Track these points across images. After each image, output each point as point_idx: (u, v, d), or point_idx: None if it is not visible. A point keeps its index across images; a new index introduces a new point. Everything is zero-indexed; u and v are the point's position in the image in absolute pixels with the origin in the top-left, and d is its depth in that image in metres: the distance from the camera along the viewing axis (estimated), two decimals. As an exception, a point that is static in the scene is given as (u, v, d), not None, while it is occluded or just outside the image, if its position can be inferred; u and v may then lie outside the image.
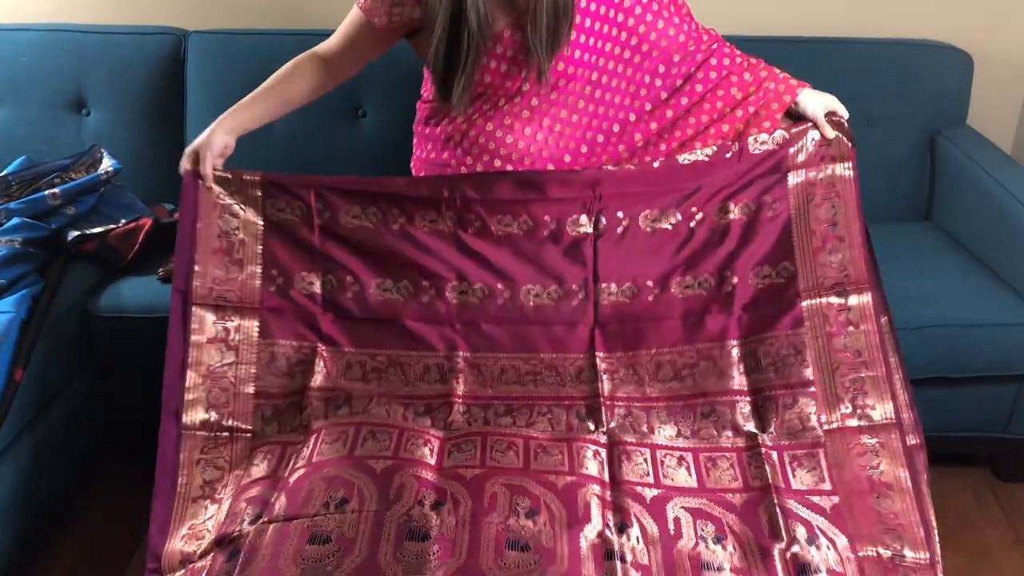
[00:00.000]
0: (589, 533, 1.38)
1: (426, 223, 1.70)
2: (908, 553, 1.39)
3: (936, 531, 1.45)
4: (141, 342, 1.80)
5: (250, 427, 1.62)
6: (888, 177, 2.35)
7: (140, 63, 2.38)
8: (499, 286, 1.69)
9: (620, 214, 1.69)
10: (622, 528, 1.39)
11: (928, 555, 1.39)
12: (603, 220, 1.69)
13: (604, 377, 1.64)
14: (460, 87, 1.62)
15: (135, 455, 1.76)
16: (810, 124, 1.68)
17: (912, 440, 1.56)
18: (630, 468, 1.52)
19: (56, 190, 2.05)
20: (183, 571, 1.41)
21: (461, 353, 1.67)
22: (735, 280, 1.66)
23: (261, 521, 1.40)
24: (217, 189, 1.67)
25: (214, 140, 1.65)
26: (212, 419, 1.60)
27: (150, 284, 2.02)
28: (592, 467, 1.51)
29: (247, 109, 1.71)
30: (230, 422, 1.61)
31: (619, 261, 1.69)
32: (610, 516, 1.41)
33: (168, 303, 1.65)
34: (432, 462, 1.52)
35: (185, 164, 1.66)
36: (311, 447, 1.54)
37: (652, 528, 1.40)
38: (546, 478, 1.48)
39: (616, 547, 1.35)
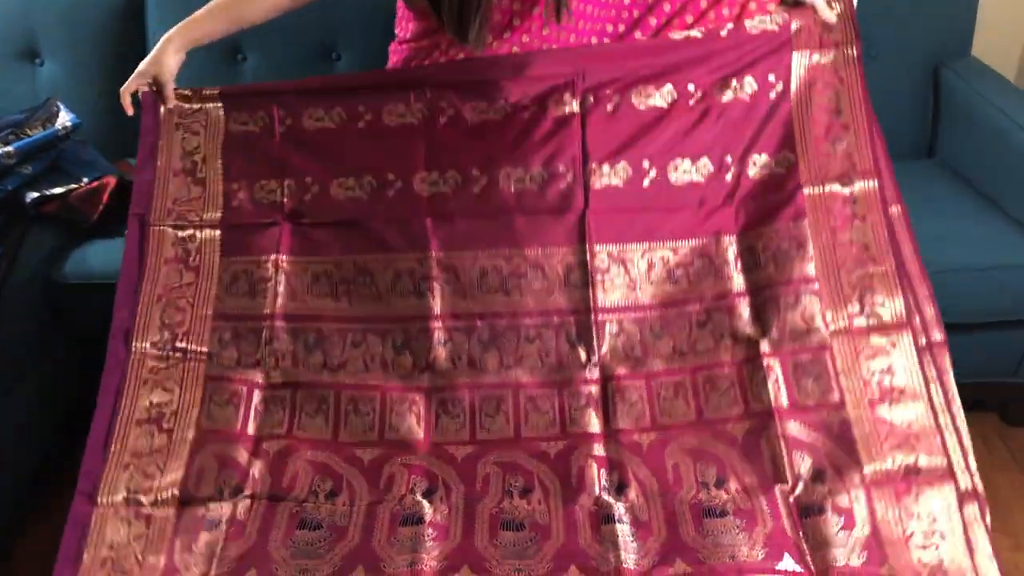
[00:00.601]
0: (585, 502, 1.32)
1: (394, 117, 1.56)
2: (923, 461, 1.29)
3: (967, 438, 1.32)
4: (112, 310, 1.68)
5: (205, 349, 1.51)
6: (889, 113, 2.18)
7: (96, 6, 2.22)
8: (474, 172, 1.52)
9: (609, 91, 1.53)
10: (620, 488, 1.32)
11: (944, 460, 1.29)
12: (590, 98, 1.52)
13: (595, 280, 1.50)
14: (477, 22, 1.47)
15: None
16: (810, 6, 1.55)
17: (937, 336, 1.42)
18: (625, 411, 1.43)
19: (10, 148, 1.90)
20: (130, 512, 1.32)
21: (434, 253, 1.51)
22: (733, 168, 1.53)
23: (243, 495, 1.34)
24: (179, 108, 1.58)
25: (168, 60, 1.55)
26: (165, 338, 1.50)
27: (119, 247, 1.87)
28: (585, 419, 1.43)
29: (199, 25, 1.58)
30: (184, 343, 1.50)
31: (610, 139, 1.53)
32: (605, 477, 1.34)
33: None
34: (420, 436, 1.44)
35: (132, 87, 1.56)
36: (287, 412, 1.46)
37: (651, 482, 1.34)
38: (538, 447, 1.41)
39: (613, 510, 1.29)
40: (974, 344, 1.92)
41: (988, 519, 1.26)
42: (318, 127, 1.57)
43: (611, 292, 1.51)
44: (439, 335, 1.50)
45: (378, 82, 1.58)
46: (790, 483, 1.30)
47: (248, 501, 1.33)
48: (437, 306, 1.51)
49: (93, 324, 1.87)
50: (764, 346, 1.42)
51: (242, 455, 1.39)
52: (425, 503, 1.32)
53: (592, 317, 1.49)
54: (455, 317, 1.51)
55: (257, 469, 1.36)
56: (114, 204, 1.96)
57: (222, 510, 1.32)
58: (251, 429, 1.44)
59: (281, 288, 1.54)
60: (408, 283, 1.52)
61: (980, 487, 1.28)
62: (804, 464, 1.30)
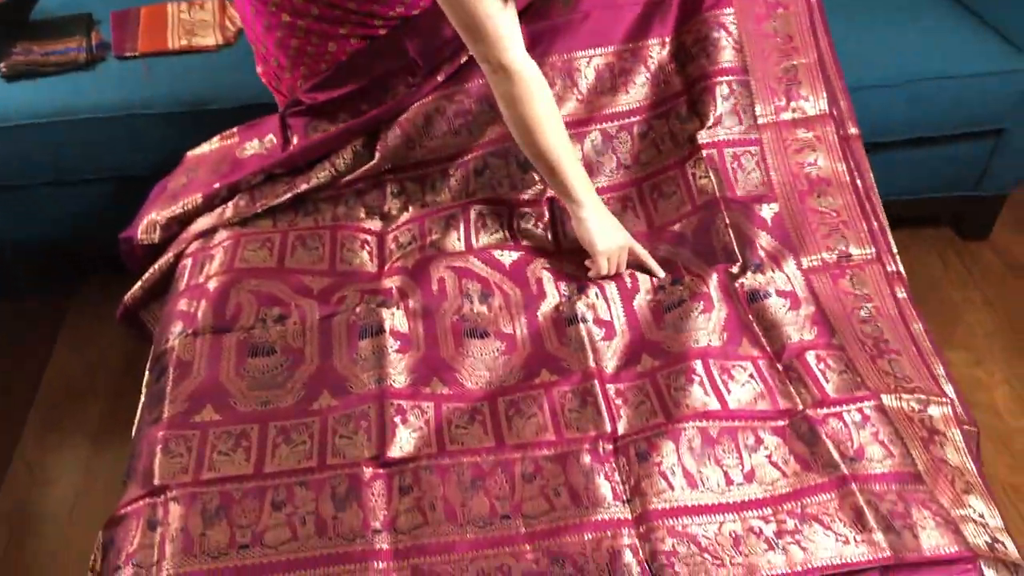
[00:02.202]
0: (545, 308, 1.29)
1: None
2: (853, 251, 1.33)
3: (889, 230, 1.39)
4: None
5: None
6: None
7: None
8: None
9: None
10: (580, 290, 1.30)
11: (873, 250, 1.34)
12: None
13: None
14: None
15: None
16: None
17: (852, 130, 1.46)
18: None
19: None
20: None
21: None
22: None
23: (185, 334, 1.25)
24: None
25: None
26: None
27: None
28: (536, 233, 1.41)
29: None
30: None
31: None
32: (564, 286, 1.32)
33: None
34: (373, 270, 1.37)
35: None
36: (229, 253, 1.37)
37: (609, 286, 1.31)
38: (490, 255, 1.36)
39: (575, 311, 1.27)
40: (938, 158, 1.89)
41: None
42: None
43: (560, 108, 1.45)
44: (392, 187, 1.48)
45: None
46: (738, 267, 1.30)
47: (189, 338, 1.24)
48: (388, 163, 1.47)
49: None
50: (702, 136, 1.41)
51: (185, 303, 1.31)
52: (382, 310, 1.26)
53: None
54: (406, 169, 1.48)
55: (201, 310, 1.27)
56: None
57: (165, 354, 1.24)
58: (196, 279, 1.37)
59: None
60: (363, 152, 1.47)
61: (903, 271, 1.36)
62: (747, 255, 1.31)
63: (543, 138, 1.26)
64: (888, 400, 1.13)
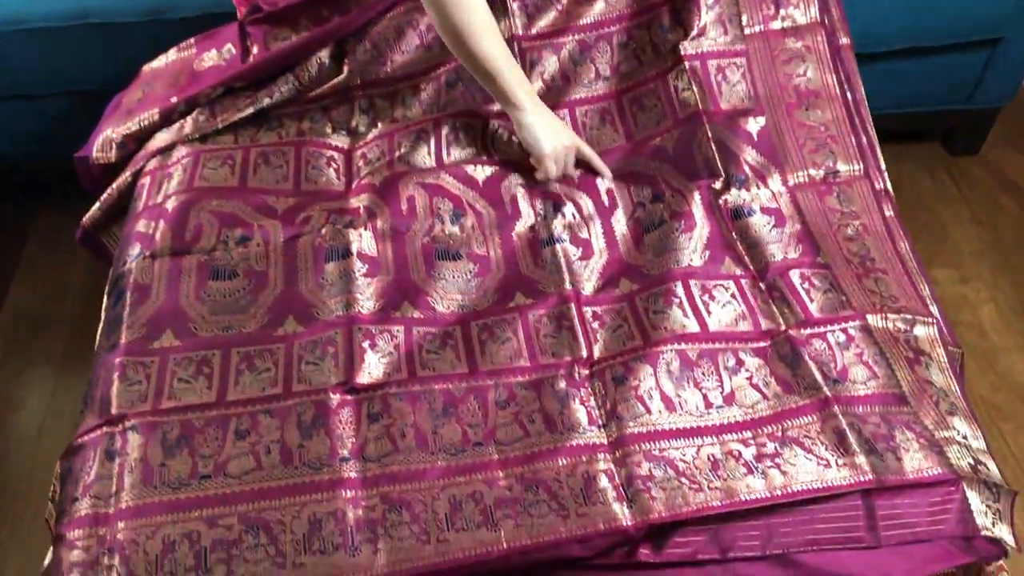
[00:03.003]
0: (521, 228, 1.24)
1: None
2: (841, 167, 1.28)
3: (878, 146, 1.34)
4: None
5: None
6: None
7: None
8: None
9: None
10: (556, 207, 1.25)
11: (861, 166, 1.28)
12: None
13: (511, 8, 1.38)
14: None
15: None
16: None
17: (843, 39, 1.39)
18: None
19: None
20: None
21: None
22: None
23: (142, 257, 1.19)
24: None
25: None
26: None
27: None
28: (512, 149, 1.34)
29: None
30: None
31: None
32: (539, 204, 1.27)
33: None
34: (340, 188, 1.30)
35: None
36: (188, 171, 1.31)
37: (586, 203, 1.27)
38: (463, 171, 1.31)
39: (551, 231, 1.22)
40: (932, 69, 1.82)
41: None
42: None
43: (537, 19, 1.39)
44: (360, 103, 1.41)
45: None
46: (721, 182, 1.25)
47: (148, 260, 1.18)
48: (357, 78, 1.40)
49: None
50: (685, 47, 1.34)
51: (143, 224, 1.25)
52: (349, 231, 1.20)
53: (514, 47, 1.37)
54: (375, 85, 1.41)
55: (160, 232, 1.21)
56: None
57: (122, 278, 1.18)
58: (153, 199, 1.30)
59: None
60: (331, 66, 1.41)
61: (890, 188, 1.31)
62: (731, 170, 1.26)
63: (476, 45, 1.19)
64: (873, 320, 1.10)
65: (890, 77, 1.79)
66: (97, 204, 1.41)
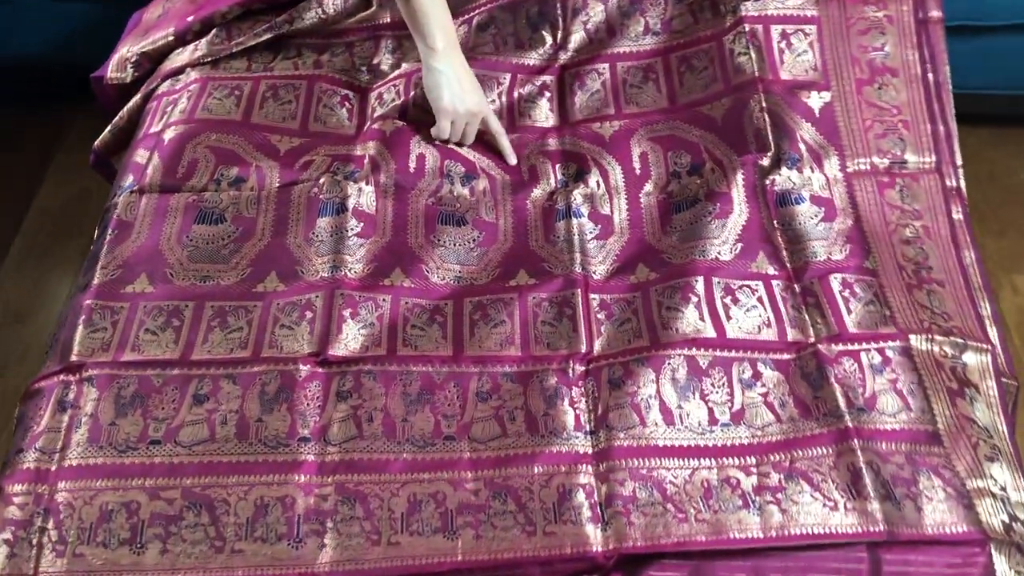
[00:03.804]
0: (537, 195, 1.13)
1: None
2: (910, 157, 1.14)
3: (956, 137, 1.18)
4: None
5: None
6: None
7: None
8: None
9: None
10: (579, 175, 1.14)
11: (934, 158, 1.14)
12: None
13: None
14: None
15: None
16: None
17: (934, 12, 1.22)
18: (584, 101, 1.23)
19: None
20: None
21: None
22: None
23: (131, 191, 1.12)
24: None
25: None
26: None
27: None
28: (537, 110, 1.23)
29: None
30: None
31: None
32: (560, 168, 1.16)
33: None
34: (351, 132, 1.21)
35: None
36: (192, 100, 1.22)
37: (614, 171, 1.15)
38: (481, 134, 1.20)
39: (569, 202, 1.11)
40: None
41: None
42: None
43: None
44: (387, 42, 1.31)
45: None
46: (770, 158, 1.12)
47: (135, 195, 1.11)
48: (387, 16, 1.31)
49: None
50: (747, 7, 1.21)
51: (140, 154, 1.18)
52: (348, 184, 1.11)
53: None
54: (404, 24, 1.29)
55: (152, 164, 1.14)
56: None
57: (108, 212, 1.12)
58: (154, 126, 1.23)
59: None
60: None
61: (964, 187, 1.16)
62: (784, 146, 1.13)
63: None
64: (917, 341, 0.97)
65: (993, 54, 1.61)
66: (108, 127, 1.34)
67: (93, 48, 1.59)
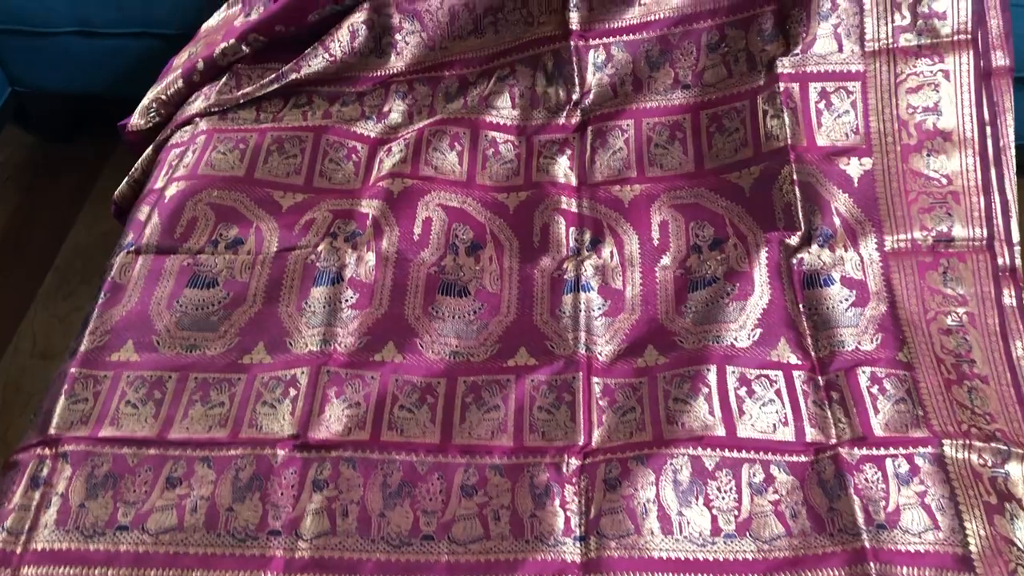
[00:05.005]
0: (547, 265, 1.06)
1: None
2: (958, 232, 1.03)
3: (1014, 204, 1.06)
4: None
5: None
6: None
7: None
8: None
9: None
10: (593, 244, 1.07)
11: (985, 233, 1.03)
12: None
13: None
14: None
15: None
16: None
17: (1000, 60, 1.09)
18: (605, 160, 1.16)
19: None
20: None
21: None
22: None
23: (128, 250, 1.09)
24: None
25: None
26: None
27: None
28: (556, 167, 1.15)
29: None
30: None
31: None
32: (575, 236, 1.08)
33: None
34: (357, 185, 1.16)
35: None
36: (198, 153, 1.19)
37: (631, 241, 1.07)
38: (494, 198, 1.13)
39: (581, 273, 1.04)
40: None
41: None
42: None
43: (599, 8, 1.18)
44: (397, 87, 1.26)
45: None
46: (799, 237, 1.03)
47: (132, 255, 1.08)
48: (402, 63, 1.26)
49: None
50: (783, 65, 1.11)
51: (142, 211, 1.15)
52: (347, 250, 1.07)
53: (572, 43, 1.18)
54: (416, 68, 1.26)
55: (151, 223, 1.11)
56: None
57: (105, 272, 1.09)
58: (158, 181, 1.20)
59: None
60: (369, 41, 1.26)
61: (1020, 266, 1.04)
62: (816, 221, 1.04)
63: None
64: (951, 449, 0.88)
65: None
66: (125, 179, 1.33)
67: (135, 81, 1.59)
